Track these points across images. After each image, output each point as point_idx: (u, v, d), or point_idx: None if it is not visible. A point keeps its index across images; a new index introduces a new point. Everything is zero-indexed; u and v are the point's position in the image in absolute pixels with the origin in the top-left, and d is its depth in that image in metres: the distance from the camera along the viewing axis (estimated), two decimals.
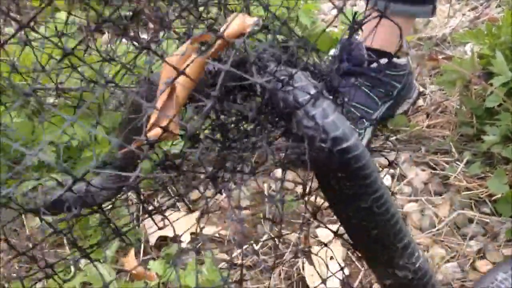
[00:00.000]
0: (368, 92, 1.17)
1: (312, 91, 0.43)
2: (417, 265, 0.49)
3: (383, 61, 1.17)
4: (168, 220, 0.51)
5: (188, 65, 0.43)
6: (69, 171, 0.37)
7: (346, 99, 1.18)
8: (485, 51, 1.15)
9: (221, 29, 0.44)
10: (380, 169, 1.10)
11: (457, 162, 1.07)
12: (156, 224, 0.52)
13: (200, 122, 0.43)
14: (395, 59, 1.19)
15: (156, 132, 0.43)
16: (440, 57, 1.49)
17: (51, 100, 1.07)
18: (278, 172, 1.09)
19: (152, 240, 0.95)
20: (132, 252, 0.95)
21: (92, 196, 0.64)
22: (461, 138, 1.16)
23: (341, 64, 1.22)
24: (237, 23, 0.45)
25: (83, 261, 0.83)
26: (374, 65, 1.16)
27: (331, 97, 0.49)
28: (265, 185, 1.08)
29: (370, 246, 0.49)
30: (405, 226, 0.48)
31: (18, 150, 0.98)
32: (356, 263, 0.91)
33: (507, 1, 1.75)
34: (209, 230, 0.97)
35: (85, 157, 0.99)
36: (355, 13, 0.67)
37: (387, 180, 1.07)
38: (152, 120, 0.45)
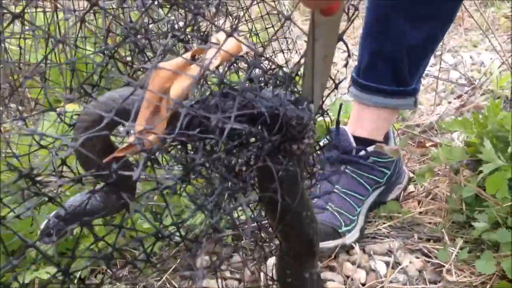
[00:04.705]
0: (358, 178, 1.18)
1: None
2: None
3: (371, 148, 1.19)
4: None
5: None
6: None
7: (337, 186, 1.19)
8: (472, 139, 1.18)
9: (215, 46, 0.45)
10: (374, 256, 1.09)
11: (451, 248, 1.06)
12: None
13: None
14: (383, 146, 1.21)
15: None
16: (428, 144, 1.52)
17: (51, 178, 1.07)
18: None
19: None
20: None
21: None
22: (453, 225, 1.16)
23: (331, 153, 1.24)
24: (232, 44, 0.47)
25: None
26: (363, 153, 1.18)
27: None
28: None
29: None
30: None
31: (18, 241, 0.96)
32: None
33: (491, 90, 1.81)
34: None
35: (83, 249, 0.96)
36: (340, 104, 0.69)
37: (381, 268, 1.05)
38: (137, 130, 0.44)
